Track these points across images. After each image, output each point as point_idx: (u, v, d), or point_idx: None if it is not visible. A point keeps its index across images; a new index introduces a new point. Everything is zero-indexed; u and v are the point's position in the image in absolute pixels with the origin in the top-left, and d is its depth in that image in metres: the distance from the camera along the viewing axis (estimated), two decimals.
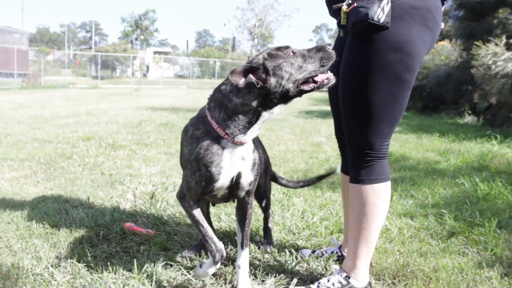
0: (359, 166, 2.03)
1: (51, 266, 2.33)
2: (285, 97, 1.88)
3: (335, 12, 2.06)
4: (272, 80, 1.84)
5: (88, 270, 2.32)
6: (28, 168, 4.67)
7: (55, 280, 2.20)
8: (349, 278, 2.10)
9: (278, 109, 1.91)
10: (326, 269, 2.41)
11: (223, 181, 1.98)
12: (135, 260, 2.38)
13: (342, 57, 2.01)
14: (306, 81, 1.88)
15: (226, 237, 2.83)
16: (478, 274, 2.37)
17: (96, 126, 8.13)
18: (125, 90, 24.67)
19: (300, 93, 1.89)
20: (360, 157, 2.02)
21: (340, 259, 2.50)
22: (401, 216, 3.29)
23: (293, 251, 2.59)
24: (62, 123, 8.41)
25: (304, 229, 2.98)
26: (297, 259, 2.51)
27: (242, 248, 2.18)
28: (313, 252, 2.55)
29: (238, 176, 2.01)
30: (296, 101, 18.08)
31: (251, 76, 1.82)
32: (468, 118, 10.53)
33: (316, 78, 1.89)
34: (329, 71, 1.88)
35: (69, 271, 2.31)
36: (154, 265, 2.36)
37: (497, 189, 3.88)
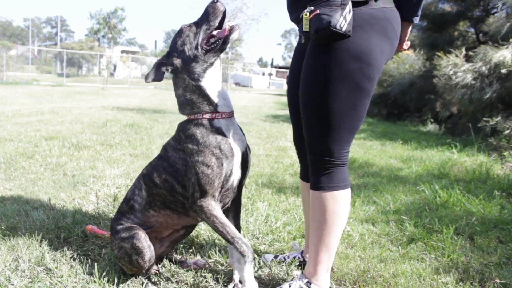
0: (319, 173, 2.04)
1: (8, 269, 2.27)
2: (202, 61, 2.10)
3: (296, 18, 2.10)
4: (178, 60, 2.12)
5: (47, 274, 2.28)
6: None
7: (12, 285, 2.15)
8: (310, 284, 2.12)
9: (210, 72, 2.13)
10: (288, 274, 2.44)
11: (237, 155, 2.10)
12: (96, 263, 2.34)
13: (303, 63, 2.03)
14: (208, 40, 2.11)
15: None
16: (436, 279, 2.44)
17: (60, 125, 7.95)
18: (91, 89, 24.22)
19: (211, 50, 2.11)
20: (320, 164, 2.03)
21: (302, 265, 2.53)
22: (363, 222, 3.35)
23: (255, 256, 2.60)
24: (24, 121, 8.19)
25: (267, 234, 3.00)
26: (259, 263, 2.53)
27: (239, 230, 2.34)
28: (276, 257, 2.58)
29: (247, 151, 2.18)
30: (264, 105, 18.18)
31: (161, 68, 2.16)
32: (431, 126, 10.83)
33: (214, 33, 2.11)
34: (228, 25, 2.09)
35: (27, 275, 2.26)
36: (115, 269, 2.33)
37: (455, 196, 4.01)
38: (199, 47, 2.09)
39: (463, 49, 8.21)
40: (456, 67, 7.72)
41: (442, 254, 2.80)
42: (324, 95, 1.92)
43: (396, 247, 2.91)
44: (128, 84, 32.63)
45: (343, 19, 1.79)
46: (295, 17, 2.11)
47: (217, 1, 2.10)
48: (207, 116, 2.10)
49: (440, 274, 2.51)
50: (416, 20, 2.07)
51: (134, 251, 2.13)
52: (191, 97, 2.12)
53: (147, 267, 2.20)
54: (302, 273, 2.20)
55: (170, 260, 2.49)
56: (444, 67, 8.01)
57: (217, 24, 2.11)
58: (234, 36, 2.09)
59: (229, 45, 2.12)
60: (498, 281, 2.42)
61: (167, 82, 38.03)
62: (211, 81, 2.12)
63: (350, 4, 1.82)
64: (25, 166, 4.66)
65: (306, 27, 1.85)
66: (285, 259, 2.55)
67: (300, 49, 2.23)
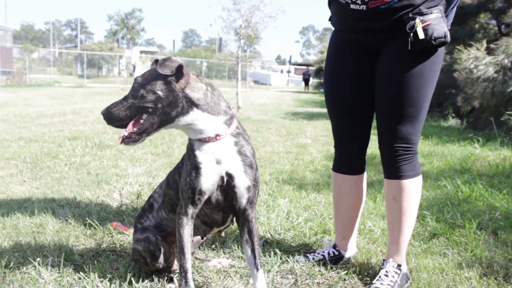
0: (404, 163, 2.28)
1: (38, 264, 2.34)
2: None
3: (382, 27, 2.19)
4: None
5: (75, 269, 2.34)
6: (14, 167, 4.66)
7: (43, 279, 2.22)
8: (400, 266, 2.32)
9: (195, 112, 1.92)
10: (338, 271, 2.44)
11: (207, 176, 1.91)
12: (121, 259, 2.40)
13: (392, 66, 2.22)
14: None
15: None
16: (458, 274, 2.43)
17: (82, 125, 8.10)
18: (111, 89, 24.53)
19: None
20: (406, 154, 2.27)
21: (337, 258, 2.57)
22: (384, 218, 3.34)
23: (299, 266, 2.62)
24: (47, 122, 8.36)
25: (289, 230, 3.02)
26: (313, 266, 2.50)
27: (257, 269, 2.03)
28: (306, 256, 2.59)
29: (230, 177, 1.95)
30: (283, 103, 18.19)
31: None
32: (452, 121, 10.70)
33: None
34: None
35: (56, 270, 2.32)
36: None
37: (478, 191, 3.97)
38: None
39: (484, 42, 8.09)
40: (477, 61, 7.61)
41: (465, 249, 2.78)
42: (419, 94, 2.18)
43: (418, 242, 2.91)
44: None
45: (447, 29, 2.11)
46: (382, 25, 2.19)
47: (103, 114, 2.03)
48: None
49: (463, 269, 2.49)
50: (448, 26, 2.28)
51: (147, 254, 2.16)
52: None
53: (163, 268, 2.24)
54: (384, 259, 2.39)
55: (196, 258, 2.52)
56: (465, 60, 7.91)
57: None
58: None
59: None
60: None
61: None
62: (195, 114, 1.89)
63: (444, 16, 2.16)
64: (50, 165, 4.77)
65: (421, 35, 2.06)
66: (324, 257, 2.57)
67: (351, 53, 2.35)
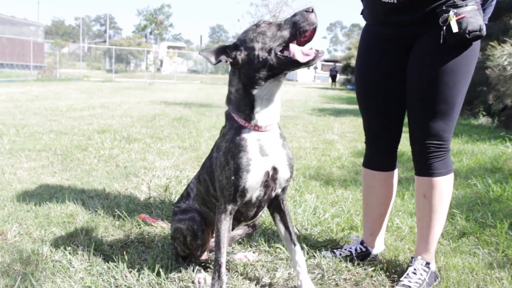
0: (436, 160, 2.25)
1: (69, 253, 2.39)
2: (268, 69, 1.84)
3: (416, 19, 2.14)
4: (243, 54, 1.86)
5: (104, 259, 2.38)
6: (45, 159, 4.76)
7: (73, 267, 2.26)
8: (429, 264, 2.29)
9: (270, 84, 1.87)
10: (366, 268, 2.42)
11: (255, 173, 1.89)
12: (149, 250, 2.43)
13: (424, 62, 2.17)
14: (284, 50, 1.83)
15: None
16: (489, 274, 2.38)
17: (111, 119, 8.22)
18: (139, 84, 24.85)
19: (283, 63, 1.82)
20: (438, 152, 2.25)
21: (364, 254, 2.55)
22: (412, 215, 3.30)
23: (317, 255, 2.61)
24: (77, 116, 8.52)
25: (316, 225, 3.01)
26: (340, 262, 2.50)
27: (294, 244, 2.13)
28: (333, 252, 2.57)
29: (274, 171, 1.95)
30: (310, 99, 18.10)
31: (223, 56, 1.88)
32: (483, 119, 10.46)
33: (296, 53, 1.80)
34: (313, 48, 1.84)
35: (86, 259, 2.37)
36: (167, 256, 2.41)
37: (510, 191, 3.87)
38: (274, 51, 1.82)
39: None
40: (511, 57, 7.42)
41: (496, 249, 2.72)
42: (452, 90, 2.14)
43: (447, 240, 2.86)
44: (174, 79, 33.26)
45: (483, 22, 2.04)
46: (414, 18, 2.14)
47: (312, 11, 1.81)
48: (241, 122, 1.92)
49: (494, 269, 2.44)
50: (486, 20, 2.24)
51: (189, 232, 2.18)
52: (239, 98, 1.92)
53: (199, 251, 2.26)
54: (412, 257, 2.36)
55: None
56: (498, 57, 7.71)
57: (303, 32, 1.82)
58: (316, 62, 1.84)
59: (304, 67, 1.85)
60: None
61: (213, 77, 38.58)
62: (266, 93, 1.88)
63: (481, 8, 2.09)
64: (80, 157, 4.86)
65: (455, 28, 2.01)
66: (351, 253, 2.55)
67: (383, 48, 2.32)
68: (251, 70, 1.85)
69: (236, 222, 2.14)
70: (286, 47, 1.83)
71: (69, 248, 2.46)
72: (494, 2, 2.24)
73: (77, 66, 34.49)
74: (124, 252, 2.47)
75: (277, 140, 1.96)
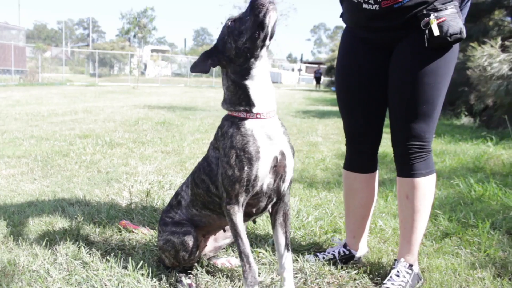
0: (417, 161, 2.25)
1: (47, 263, 2.34)
2: (247, 55, 1.91)
3: (397, 25, 2.15)
4: (224, 55, 1.96)
5: (83, 267, 2.33)
6: (25, 165, 4.68)
7: (51, 277, 2.21)
8: (412, 266, 2.29)
9: (256, 68, 1.93)
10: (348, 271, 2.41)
11: (265, 159, 1.92)
12: (130, 257, 2.39)
13: (406, 64, 2.17)
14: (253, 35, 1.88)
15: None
16: (471, 274, 2.39)
17: (93, 124, 8.13)
18: (123, 88, 24.66)
19: (256, 45, 1.89)
20: (419, 152, 2.24)
21: (348, 258, 2.55)
22: (396, 216, 3.30)
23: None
24: (59, 121, 8.41)
25: (299, 229, 3.00)
26: (323, 265, 2.49)
27: (288, 249, 2.13)
28: (316, 256, 2.56)
29: (282, 156, 1.98)
30: (294, 101, 18.14)
31: (207, 61, 2.00)
32: (465, 119, 10.58)
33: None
34: (268, 7, 1.85)
35: (64, 268, 2.32)
36: (148, 263, 2.37)
37: (491, 190, 3.91)
38: (243, 42, 1.90)
39: (499, 39, 7.98)
40: (491, 58, 7.52)
41: (478, 249, 2.73)
42: (433, 91, 2.15)
43: (430, 241, 2.86)
44: (158, 82, 33.10)
45: (463, 25, 2.07)
46: (396, 24, 2.15)
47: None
48: (242, 115, 1.96)
49: (476, 269, 2.45)
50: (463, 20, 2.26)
51: (183, 247, 2.14)
52: (233, 95, 1.98)
53: (189, 265, 2.24)
54: (397, 258, 2.35)
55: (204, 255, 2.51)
56: (478, 58, 7.81)
57: (263, 16, 1.86)
58: (269, 20, 1.85)
59: (269, 29, 1.87)
60: None
61: (197, 80, 38.48)
62: (257, 78, 1.94)
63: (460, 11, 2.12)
64: (61, 163, 4.79)
65: (436, 32, 2.02)
66: (334, 256, 2.54)
67: (364, 50, 2.32)
68: (235, 65, 1.94)
69: (247, 217, 2.12)
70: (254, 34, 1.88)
71: (47, 257, 2.41)
72: (469, 3, 2.26)
73: (60, 70, 34.12)
74: (104, 260, 2.42)
75: (279, 127, 2.02)
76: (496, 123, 8.70)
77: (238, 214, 1.97)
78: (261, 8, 1.84)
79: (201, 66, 2.02)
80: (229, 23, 1.96)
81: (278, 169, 1.97)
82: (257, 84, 1.95)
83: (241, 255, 1.99)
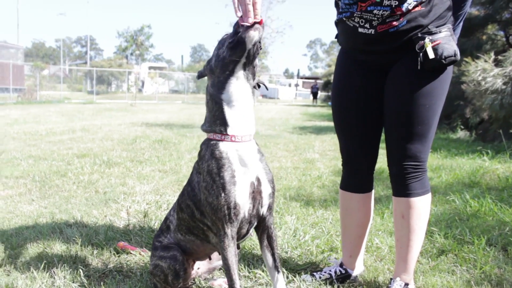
0: (413, 181, 2.27)
1: (45, 286, 2.35)
2: (223, 66, 1.93)
3: (396, 48, 2.19)
4: (208, 67, 2.03)
5: None
6: (23, 186, 4.69)
7: None
8: (408, 285, 2.32)
9: (232, 85, 1.93)
10: None
11: (241, 185, 1.90)
12: (128, 279, 2.40)
13: (401, 86, 2.21)
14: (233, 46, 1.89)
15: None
16: None
17: (91, 142, 8.16)
18: (120, 105, 24.73)
19: (231, 49, 1.89)
20: (415, 172, 2.27)
21: (344, 277, 2.56)
22: (392, 234, 3.32)
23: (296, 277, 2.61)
24: (57, 140, 8.44)
25: (296, 248, 3.01)
26: (319, 285, 2.51)
27: (277, 271, 2.14)
28: (312, 275, 2.58)
29: (258, 182, 1.97)
30: (291, 117, 18.20)
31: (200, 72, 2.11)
32: (461, 133, 10.64)
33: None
34: (248, 29, 1.86)
35: None
36: (146, 285, 2.38)
37: (487, 205, 3.93)
38: (223, 50, 1.93)
39: (492, 54, 8.08)
40: (485, 72, 7.60)
41: (473, 266, 2.75)
42: (429, 112, 2.19)
43: (426, 259, 2.88)
44: (156, 99, 33.19)
45: (457, 47, 2.12)
46: (390, 48, 2.20)
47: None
48: (217, 137, 1.95)
49: (472, 287, 2.46)
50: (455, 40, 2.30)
51: (171, 272, 2.14)
52: (210, 112, 1.99)
53: (180, 287, 2.24)
54: (393, 277, 2.37)
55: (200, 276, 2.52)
56: (472, 72, 7.89)
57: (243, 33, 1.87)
58: (250, 37, 1.83)
59: (248, 48, 1.86)
60: None
61: (195, 97, 38.62)
62: (233, 96, 1.93)
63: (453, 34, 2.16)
64: (59, 184, 4.80)
65: (431, 55, 2.07)
66: (331, 276, 2.56)
67: (359, 72, 2.36)
68: (213, 76, 1.97)
69: None
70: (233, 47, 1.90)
71: (45, 280, 2.42)
72: (461, 24, 2.31)
73: (58, 88, 34.24)
74: (102, 282, 2.43)
75: (255, 153, 1.99)
76: (491, 136, 8.76)
77: (229, 248, 1.94)
78: (242, 28, 1.86)
79: (198, 73, 2.13)
80: (224, 36, 2.00)
81: (255, 195, 1.96)
82: (232, 102, 1.93)
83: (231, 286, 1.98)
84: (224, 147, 1.93)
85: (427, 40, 2.08)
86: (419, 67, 2.12)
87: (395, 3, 2.07)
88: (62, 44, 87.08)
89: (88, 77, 41.71)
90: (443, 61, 2.07)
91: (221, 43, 1.98)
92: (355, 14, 2.17)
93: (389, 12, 2.08)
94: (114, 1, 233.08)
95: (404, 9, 2.07)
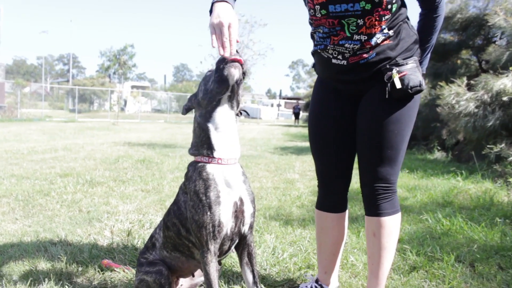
0: (383, 201, 2.41)
1: None
2: (210, 98, 2.11)
3: (363, 78, 2.38)
4: (195, 100, 2.21)
5: None
6: (6, 205, 4.74)
7: None
8: None
9: (218, 113, 2.11)
10: None
11: (226, 205, 2.06)
12: None
13: (373, 112, 2.37)
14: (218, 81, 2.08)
15: None
16: None
17: (74, 162, 8.19)
18: (103, 124, 24.67)
19: (216, 83, 2.08)
20: (385, 193, 2.40)
21: None
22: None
23: None
24: (39, 159, 8.45)
25: (274, 265, 3.13)
26: None
27: (256, 287, 2.28)
28: None
29: (241, 202, 2.12)
30: (273, 137, 18.39)
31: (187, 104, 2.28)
32: (438, 154, 10.91)
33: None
34: (230, 67, 2.07)
35: None
36: None
37: (458, 224, 4.11)
38: (210, 84, 2.11)
39: (465, 78, 8.39)
40: (458, 96, 7.88)
41: (442, 282, 2.90)
42: (397, 138, 2.35)
43: (398, 275, 3.02)
44: (138, 118, 33.18)
45: (422, 78, 2.28)
46: (363, 77, 2.37)
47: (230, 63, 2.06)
48: (204, 159, 2.12)
49: None
50: (424, 71, 2.51)
51: (156, 285, 2.25)
52: (197, 138, 2.16)
53: None
54: None
55: None
56: (446, 96, 8.17)
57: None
58: (232, 75, 2.04)
59: (230, 84, 2.08)
60: None
61: (177, 116, 38.63)
62: (219, 124, 2.10)
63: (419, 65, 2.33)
64: (42, 203, 4.86)
65: (398, 85, 2.25)
66: None
67: (334, 99, 2.54)
68: (201, 108, 2.15)
69: None
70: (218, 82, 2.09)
71: None
72: (429, 55, 2.51)
73: (39, 106, 34.02)
74: None
75: (239, 175, 2.17)
76: (466, 157, 9.03)
77: (211, 264, 2.08)
78: (223, 65, 2.06)
79: (183, 109, 2.29)
80: (208, 73, 2.17)
81: (238, 214, 2.12)
82: (219, 129, 2.11)
83: None
84: (210, 169, 2.10)
85: (394, 71, 2.26)
86: (387, 96, 2.30)
87: (365, 38, 2.25)
88: (44, 61, 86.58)
89: (70, 95, 41.52)
90: (409, 90, 2.24)
91: (206, 79, 2.15)
92: (328, 47, 2.36)
93: (359, 45, 2.27)
94: (97, 19, 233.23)
95: (373, 43, 2.26)
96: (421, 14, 2.40)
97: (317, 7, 2.30)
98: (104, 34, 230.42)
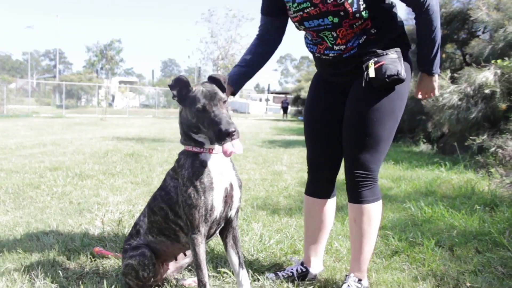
0: (364, 189, 2.53)
1: (26, 287, 2.51)
2: (191, 127, 2.23)
3: (348, 71, 2.54)
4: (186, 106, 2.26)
5: None
6: None
7: None
8: (361, 281, 2.58)
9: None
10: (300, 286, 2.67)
11: (218, 190, 2.21)
12: (104, 280, 2.59)
13: (356, 101, 2.51)
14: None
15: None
16: (414, 286, 2.68)
17: (62, 156, 8.23)
18: (91, 119, 24.60)
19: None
20: (366, 181, 2.51)
21: (304, 275, 2.81)
22: None
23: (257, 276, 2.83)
24: (27, 153, 8.47)
25: (261, 251, 3.24)
26: (281, 282, 2.74)
27: (242, 268, 2.41)
28: (276, 274, 2.81)
29: (231, 187, 2.28)
30: (261, 131, 18.51)
31: (177, 90, 2.29)
32: (423, 146, 11.10)
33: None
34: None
35: None
36: (121, 284, 2.57)
37: (439, 212, 4.25)
38: (193, 121, 2.21)
39: (448, 72, 8.56)
40: (442, 89, 8.04)
41: (422, 265, 3.04)
42: (377, 126, 2.44)
43: (380, 259, 3.15)
44: (126, 114, 33.08)
45: (402, 68, 2.37)
46: (346, 70, 2.54)
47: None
48: (196, 149, 2.25)
49: (418, 282, 2.74)
50: (437, 72, 2.58)
51: (141, 267, 2.36)
52: (186, 130, 2.26)
53: (151, 282, 2.45)
54: (348, 274, 2.64)
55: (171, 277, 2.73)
56: None
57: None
58: (224, 147, 2.12)
59: None
60: (468, 285, 2.67)
61: (166, 111, 38.60)
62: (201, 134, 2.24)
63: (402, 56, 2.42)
64: (33, 195, 4.92)
65: (372, 74, 2.36)
66: (292, 274, 2.80)
67: (326, 90, 2.71)
68: (188, 120, 2.23)
69: None
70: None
71: (26, 282, 2.58)
72: (438, 54, 2.53)
73: (25, 102, 33.75)
74: (80, 282, 2.61)
75: (228, 162, 2.32)
76: (450, 149, 9.22)
77: (201, 245, 2.23)
78: (227, 138, 2.09)
79: (176, 85, 2.24)
80: (205, 90, 2.19)
81: (227, 199, 2.27)
82: (201, 136, 2.25)
83: (199, 283, 2.24)
84: (203, 157, 2.25)
85: (371, 61, 2.39)
86: (363, 84, 2.42)
87: (343, 47, 2.46)
88: (29, 57, 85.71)
89: (57, 91, 41.25)
90: (386, 79, 2.35)
91: (197, 99, 2.17)
92: (316, 54, 2.61)
93: (340, 53, 2.48)
94: (83, 14, 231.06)
95: (355, 45, 2.45)
96: (414, 18, 2.49)
97: (296, 24, 2.53)
98: (90, 29, 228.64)
